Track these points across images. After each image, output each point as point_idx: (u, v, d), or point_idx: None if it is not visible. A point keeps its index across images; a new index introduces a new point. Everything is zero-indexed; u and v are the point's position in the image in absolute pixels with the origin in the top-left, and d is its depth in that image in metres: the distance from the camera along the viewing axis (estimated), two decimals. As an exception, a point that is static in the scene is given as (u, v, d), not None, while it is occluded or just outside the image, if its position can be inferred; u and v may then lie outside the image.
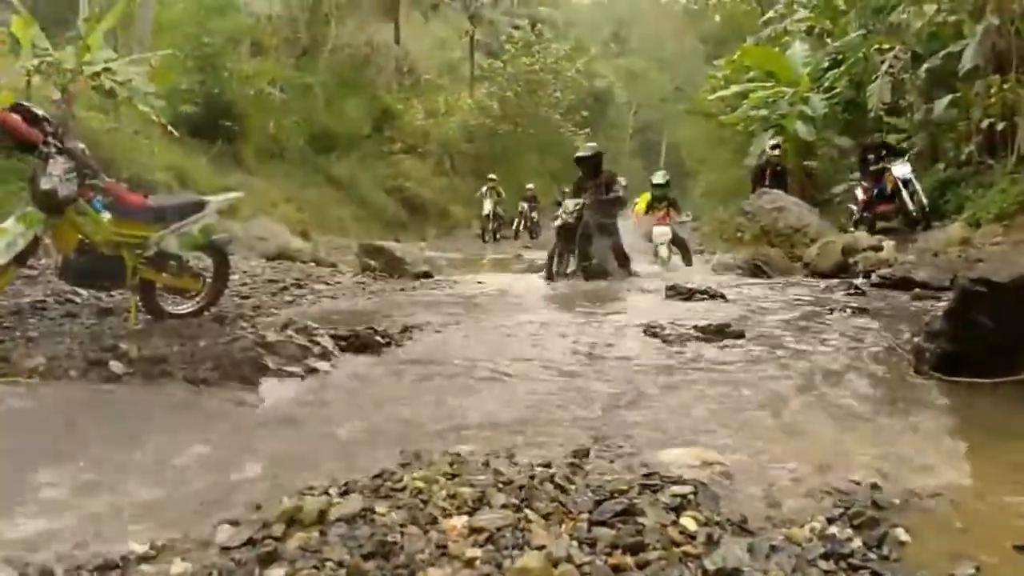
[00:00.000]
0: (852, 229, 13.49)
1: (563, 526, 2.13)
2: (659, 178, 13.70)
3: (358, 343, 5.10)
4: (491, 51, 35.94)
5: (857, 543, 2.12)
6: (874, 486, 2.60)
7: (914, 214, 12.88)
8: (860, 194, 14.21)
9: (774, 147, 16.12)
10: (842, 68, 17.35)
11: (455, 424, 3.40)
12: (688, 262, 12.91)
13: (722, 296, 8.30)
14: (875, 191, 13.68)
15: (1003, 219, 10.23)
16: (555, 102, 33.98)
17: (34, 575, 1.76)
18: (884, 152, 13.84)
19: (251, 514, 2.12)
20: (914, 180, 12.98)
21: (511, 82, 32.59)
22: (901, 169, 13.07)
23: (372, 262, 11.40)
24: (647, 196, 13.40)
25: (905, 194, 12.93)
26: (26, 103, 5.62)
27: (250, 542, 1.94)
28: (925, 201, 12.82)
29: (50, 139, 5.02)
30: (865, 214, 13.95)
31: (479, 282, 10.56)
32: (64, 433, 3.19)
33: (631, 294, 9.04)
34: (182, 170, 14.95)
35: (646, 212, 13.27)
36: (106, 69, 12.01)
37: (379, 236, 17.58)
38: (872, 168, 13.74)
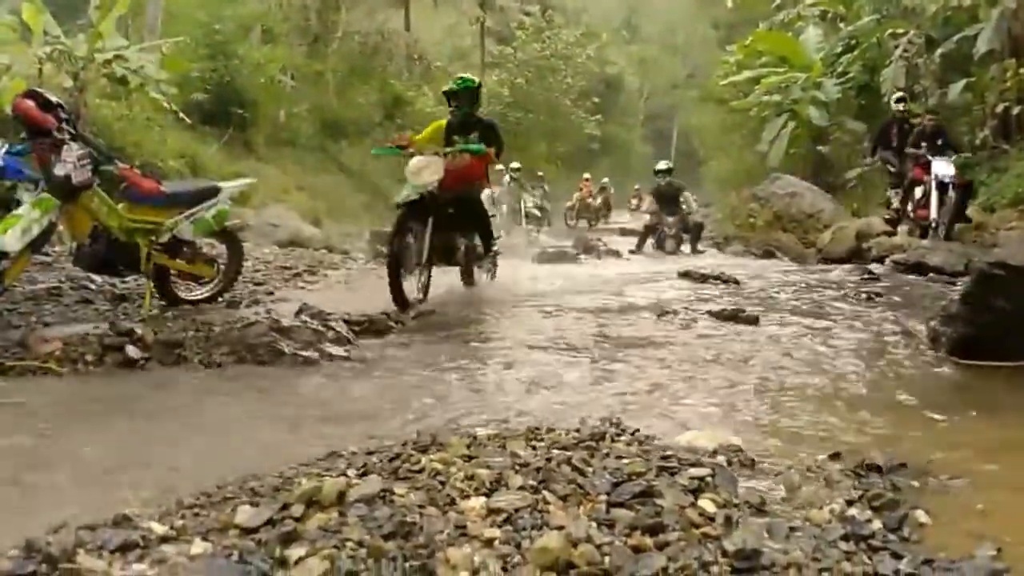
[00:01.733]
0: (887, 218, 11.87)
1: (581, 507, 2.12)
2: (662, 165, 14.34)
3: (372, 328, 5.11)
4: (502, 37, 35.85)
5: (877, 525, 2.10)
6: (892, 468, 2.59)
7: (932, 226, 10.54)
8: (892, 196, 12.02)
9: (899, 100, 12.83)
10: (855, 53, 17.24)
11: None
12: (694, 250, 12.97)
13: (735, 281, 8.28)
14: (915, 188, 11.30)
15: (1018, 204, 10.18)
16: (566, 88, 33.88)
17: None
18: (940, 140, 11.11)
19: (271, 496, 2.12)
20: (954, 188, 10.39)
21: (522, 68, 32.51)
22: (942, 168, 10.57)
23: (384, 248, 11.39)
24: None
25: (935, 198, 10.51)
26: (40, 89, 5.64)
27: (270, 522, 1.94)
28: (953, 216, 10.35)
29: (64, 125, 5.03)
30: (908, 214, 11.50)
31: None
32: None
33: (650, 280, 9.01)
34: (193, 157, 14.98)
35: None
36: (118, 56, 12.01)
37: (390, 223, 17.56)
38: (917, 156, 11.23)
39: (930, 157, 10.77)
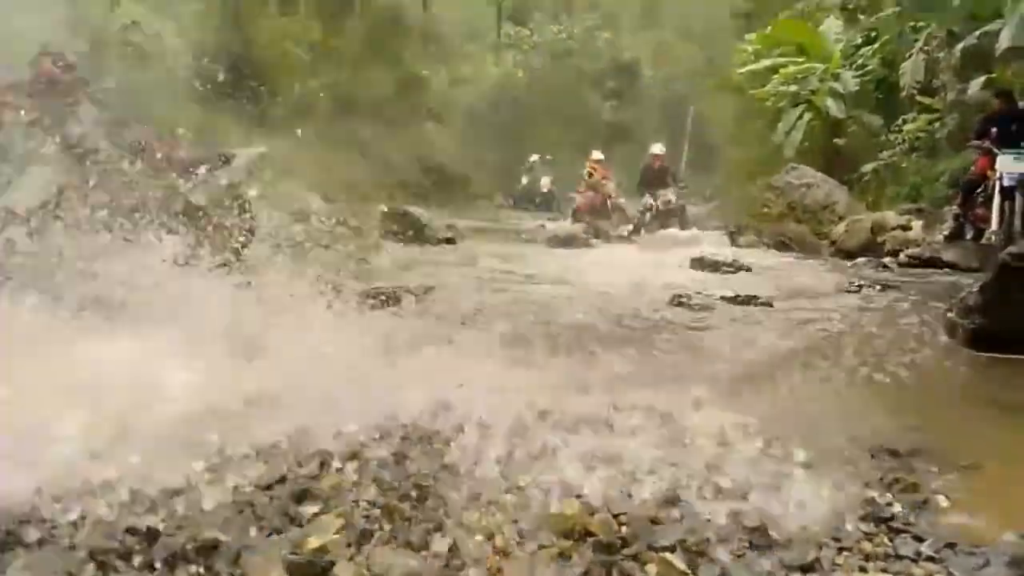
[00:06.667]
0: (946, 233, 9.94)
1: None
2: (657, 149, 14.55)
3: (385, 301, 5.09)
4: (518, 19, 35.65)
5: (898, 508, 2.08)
6: (911, 453, 2.56)
7: (991, 237, 8.88)
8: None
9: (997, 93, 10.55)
10: (875, 45, 17.08)
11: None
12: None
13: (747, 269, 8.26)
14: (974, 185, 9.56)
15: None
16: (582, 73, 33.72)
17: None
18: (1015, 126, 9.26)
19: (284, 454, 2.10)
20: (1020, 190, 8.71)
21: (538, 51, 32.35)
22: (1009, 165, 8.79)
23: (395, 226, 11.39)
24: None
25: (996, 203, 8.85)
26: (58, 52, 5.62)
27: (282, 480, 1.92)
28: (1019, 226, 8.64)
29: (81, 86, 5.01)
30: (960, 217, 9.75)
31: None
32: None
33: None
34: (206, 127, 14.93)
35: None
36: (134, 23, 12.00)
37: (402, 202, 17.46)
38: (984, 147, 9.38)
39: (996, 150, 9.04)
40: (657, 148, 15.14)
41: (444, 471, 2.04)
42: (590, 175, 17.43)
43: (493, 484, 1.98)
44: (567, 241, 12.01)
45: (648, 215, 13.68)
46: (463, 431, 2.32)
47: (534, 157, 25.89)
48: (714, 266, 8.37)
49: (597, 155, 18.08)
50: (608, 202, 16.34)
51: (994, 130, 9.38)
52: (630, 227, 14.20)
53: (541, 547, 1.69)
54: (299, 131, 20.35)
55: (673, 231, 13.31)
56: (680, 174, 15.97)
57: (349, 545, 1.66)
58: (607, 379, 3.28)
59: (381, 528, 1.72)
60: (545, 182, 25.62)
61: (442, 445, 2.22)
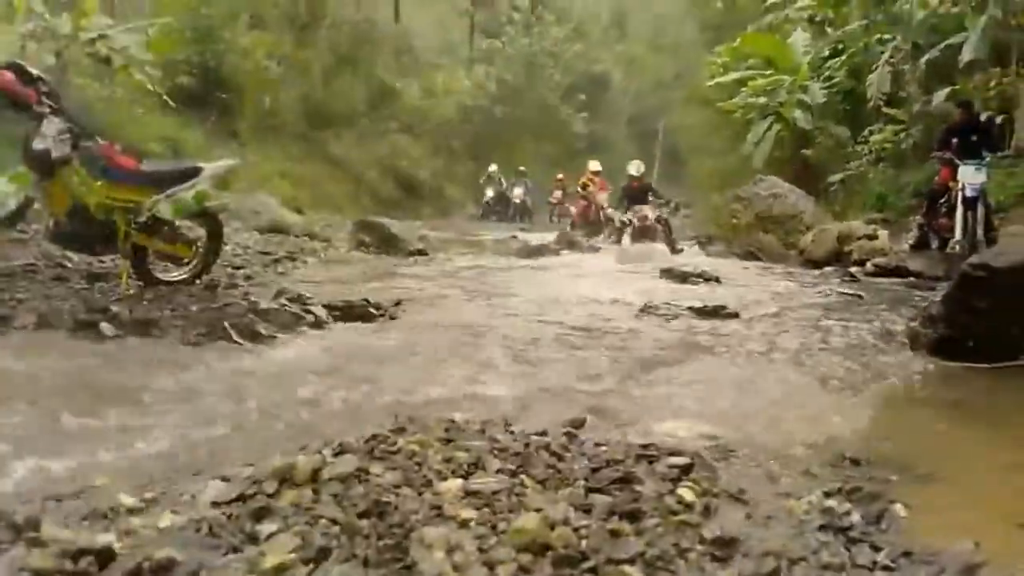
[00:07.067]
0: (911, 242, 10.13)
1: (559, 492, 2.10)
2: (633, 170, 14.35)
3: (351, 313, 5.07)
4: (490, 32, 35.75)
5: (856, 517, 2.09)
6: (871, 462, 2.58)
7: (955, 246, 8.91)
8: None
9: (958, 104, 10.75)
10: (843, 58, 17.30)
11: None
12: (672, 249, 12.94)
13: (716, 279, 8.31)
14: (938, 195, 9.67)
15: (999, 212, 10.20)
16: (553, 85, 33.84)
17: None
18: (975, 137, 9.48)
19: (242, 471, 2.09)
20: (982, 200, 8.97)
21: (509, 63, 32.44)
22: (970, 175, 8.98)
23: (366, 238, 11.36)
24: None
25: (959, 214, 8.95)
26: (21, 62, 5.54)
27: (240, 498, 1.90)
28: (981, 235, 8.84)
29: (44, 99, 4.95)
30: (924, 227, 9.88)
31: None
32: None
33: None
34: (176, 141, 14.84)
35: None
36: (102, 36, 11.86)
37: (373, 214, 17.43)
38: (946, 157, 9.52)
39: (958, 161, 9.18)
40: (633, 168, 14.64)
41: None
42: (585, 186, 17.39)
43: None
44: (536, 252, 12.03)
45: (627, 231, 13.41)
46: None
47: (493, 167, 25.97)
48: (682, 277, 8.41)
49: (595, 166, 17.88)
50: (601, 213, 16.35)
51: (955, 141, 9.49)
52: (612, 239, 14.03)
53: (499, 562, 1.69)
54: (270, 143, 20.33)
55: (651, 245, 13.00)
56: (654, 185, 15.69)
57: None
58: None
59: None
60: (518, 193, 25.69)
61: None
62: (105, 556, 1.61)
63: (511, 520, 1.85)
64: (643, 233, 12.81)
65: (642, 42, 55.70)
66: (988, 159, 9.32)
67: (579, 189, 17.87)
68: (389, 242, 11.04)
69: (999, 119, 12.03)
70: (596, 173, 17.55)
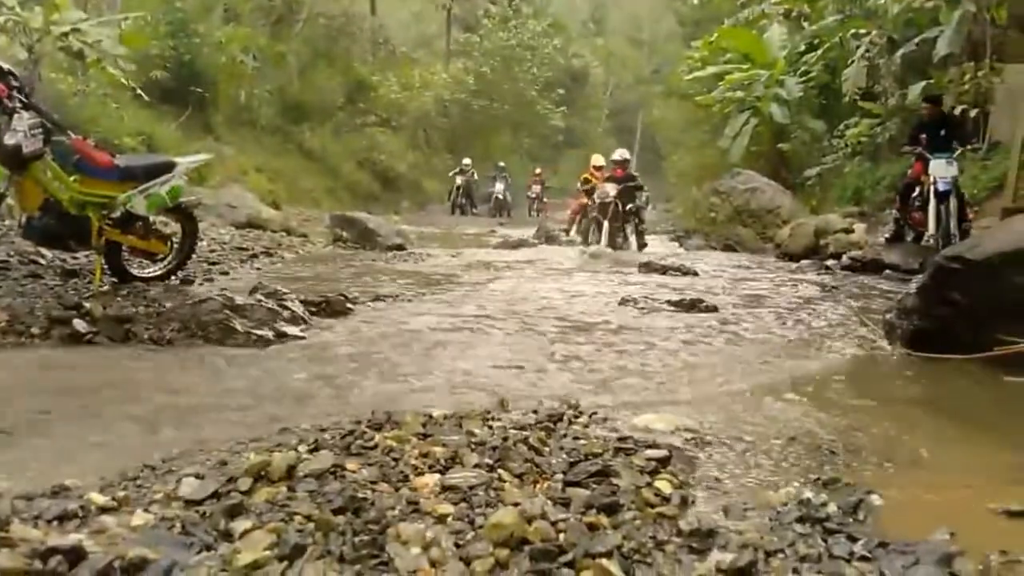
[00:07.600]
0: (887, 236, 10.28)
1: (537, 486, 2.10)
2: (617, 155, 13.72)
3: (328, 309, 5.03)
4: (468, 26, 35.67)
5: (832, 508, 2.10)
6: (847, 453, 2.60)
7: (928, 239, 9.00)
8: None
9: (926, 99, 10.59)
10: (818, 52, 17.37)
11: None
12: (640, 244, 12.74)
13: (694, 273, 8.34)
14: (911, 189, 9.77)
15: (973, 205, 10.29)
16: (531, 79, 33.81)
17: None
18: (944, 131, 9.48)
19: (217, 469, 2.06)
20: (955, 193, 9.01)
21: (487, 57, 32.37)
22: (941, 169, 9.01)
23: (344, 233, 11.31)
24: None
25: (932, 208, 9.00)
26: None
27: (215, 495, 1.88)
28: (955, 228, 8.84)
29: (15, 93, 4.87)
30: (899, 221, 10.01)
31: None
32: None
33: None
34: (151, 136, 14.69)
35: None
36: (75, 30, 11.71)
37: (351, 209, 17.37)
38: (916, 152, 9.58)
39: (929, 155, 9.23)
40: (617, 154, 13.89)
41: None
42: (587, 181, 15.86)
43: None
44: (516, 244, 12.03)
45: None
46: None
47: (467, 160, 25.83)
48: (661, 270, 8.44)
49: (598, 160, 16.69)
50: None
51: (923, 136, 9.53)
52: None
53: (477, 557, 1.68)
54: (246, 137, 20.19)
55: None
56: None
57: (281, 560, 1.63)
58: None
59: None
60: (498, 188, 25.64)
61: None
62: (76, 555, 1.59)
63: (488, 515, 1.85)
64: (602, 211, 12.20)
65: (620, 37, 55.93)
66: (958, 152, 9.40)
67: (579, 184, 16.66)
68: (367, 237, 11.00)
69: (973, 113, 12.11)
70: (599, 168, 16.14)
